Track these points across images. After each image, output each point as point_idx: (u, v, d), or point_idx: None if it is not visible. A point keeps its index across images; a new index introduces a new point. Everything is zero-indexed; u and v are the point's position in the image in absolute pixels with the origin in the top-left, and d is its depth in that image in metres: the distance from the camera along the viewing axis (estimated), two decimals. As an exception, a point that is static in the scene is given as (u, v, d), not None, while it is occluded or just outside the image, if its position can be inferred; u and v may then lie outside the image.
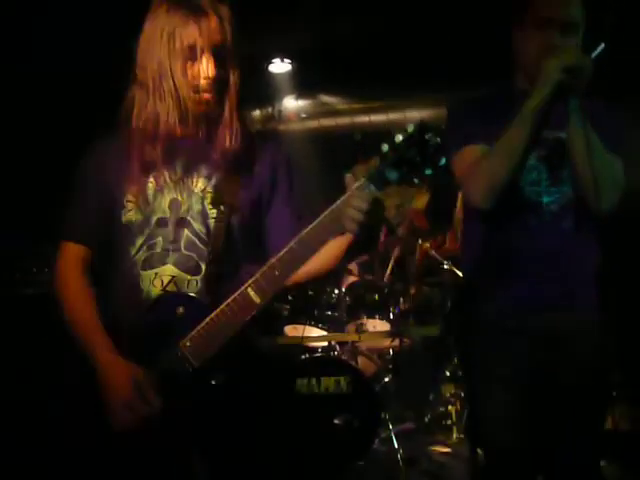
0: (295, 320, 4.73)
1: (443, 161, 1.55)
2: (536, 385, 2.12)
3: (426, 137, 1.54)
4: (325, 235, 1.65)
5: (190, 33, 1.76)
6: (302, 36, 5.28)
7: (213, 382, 1.71)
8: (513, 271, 2.16)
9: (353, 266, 4.93)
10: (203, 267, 1.80)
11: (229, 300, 1.69)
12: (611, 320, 2.23)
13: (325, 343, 4.54)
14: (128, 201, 1.85)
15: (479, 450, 2.41)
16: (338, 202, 1.63)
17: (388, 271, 5.03)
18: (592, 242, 2.20)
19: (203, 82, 1.79)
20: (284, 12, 4.71)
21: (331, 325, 4.66)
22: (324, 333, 4.61)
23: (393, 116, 6.36)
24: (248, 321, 1.70)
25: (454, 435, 4.60)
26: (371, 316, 4.70)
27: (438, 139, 1.54)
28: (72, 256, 1.91)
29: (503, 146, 2.04)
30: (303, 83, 6.11)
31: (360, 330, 4.57)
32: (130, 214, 1.84)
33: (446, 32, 4.98)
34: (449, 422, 4.72)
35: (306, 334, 4.56)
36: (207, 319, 1.70)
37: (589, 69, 1.98)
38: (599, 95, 2.18)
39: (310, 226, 1.66)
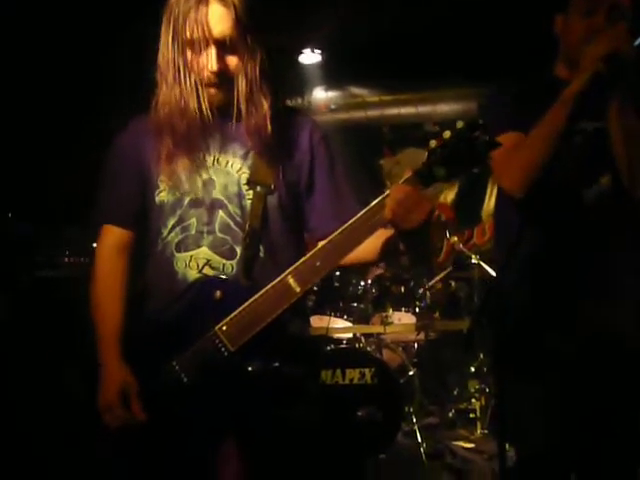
0: (320, 311, 4.74)
1: (489, 160, 1.54)
2: (575, 381, 2.09)
3: (475, 134, 1.51)
4: (369, 228, 1.63)
5: (192, 25, 1.70)
6: (333, 27, 5.26)
7: (249, 368, 1.70)
8: (554, 268, 2.12)
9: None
10: (238, 251, 1.77)
11: (268, 287, 1.67)
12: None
13: (350, 335, 4.53)
14: (161, 181, 1.82)
15: (508, 446, 2.38)
16: (383, 195, 1.60)
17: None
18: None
19: (207, 75, 1.74)
20: (315, 3, 4.71)
21: (356, 317, 4.66)
22: (349, 324, 4.61)
23: (422, 109, 6.31)
24: (287, 308, 1.68)
25: (478, 430, 4.57)
26: (397, 309, 4.70)
27: (486, 137, 1.51)
28: (112, 240, 1.90)
29: (541, 132, 2.01)
30: (333, 74, 6.10)
31: (385, 322, 4.55)
32: (162, 194, 1.82)
33: (478, 24, 4.94)
34: (473, 417, 4.70)
35: (331, 325, 4.56)
36: (245, 304, 1.68)
37: (632, 57, 1.95)
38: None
39: (354, 218, 1.63)
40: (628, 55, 1.93)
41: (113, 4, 3.99)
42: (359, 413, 3.91)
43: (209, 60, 1.72)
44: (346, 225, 1.64)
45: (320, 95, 6.51)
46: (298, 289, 1.66)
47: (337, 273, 4.82)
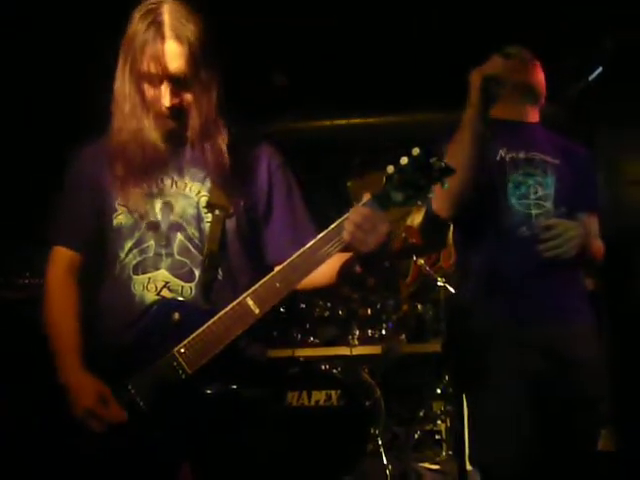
0: (287, 332, 4.74)
1: (447, 185, 1.57)
2: (535, 398, 2.14)
3: (431, 161, 1.56)
4: (327, 250, 1.65)
5: (148, 59, 1.72)
6: (302, 49, 5.31)
7: (207, 391, 1.70)
8: (508, 283, 2.19)
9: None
10: (197, 273, 1.78)
11: (227, 309, 1.68)
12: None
13: (317, 356, 4.54)
14: (119, 204, 1.83)
15: (469, 467, 2.42)
16: (342, 218, 1.63)
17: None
18: (582, 254, 2.25)
19: (162, 109, 1.76)
20: (285, 28, 4.76)
21: (323, 338, 4.67)
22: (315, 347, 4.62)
23: (392, 133, 6.39)
24: (245, 331, 1.69)
25: (443, 452, 4.59)
26: (363, 330, 4.72)
27: (442, 163, 1.56)
28: (61, 261, 1.90)
29: (452, 158, 2.10)
30: (302, 98, 6.14)
31: (352, 344, 4.57)
32: (120, 217, 1.82)
33: (449, 49, 5.02)
34: (439, 438, 4.73)
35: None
36: (204, 327, 1.69)
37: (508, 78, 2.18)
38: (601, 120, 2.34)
39: (314, 240, 1.66)
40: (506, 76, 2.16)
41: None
42: (325, 435, 3.92)
43: (164, 95, 1.74)
44: (305, 247, 1.66)
45: (289, 118, 6.55)
46: (257, 311, 1.68)
47: (304, 293, 4.84)
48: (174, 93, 1.75)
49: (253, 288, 1.68)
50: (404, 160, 1.57)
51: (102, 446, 1.70)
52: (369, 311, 4.89)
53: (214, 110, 1.80)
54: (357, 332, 4.67)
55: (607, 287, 3.83)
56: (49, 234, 1.94)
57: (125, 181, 1.80)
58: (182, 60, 1.73)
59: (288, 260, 1.67)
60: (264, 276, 1.70)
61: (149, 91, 1.76)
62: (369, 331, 4.74)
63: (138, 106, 1.76)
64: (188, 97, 1.77)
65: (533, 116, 2.44)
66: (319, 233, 1.68)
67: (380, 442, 4.17)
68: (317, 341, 4.66)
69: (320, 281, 1.82)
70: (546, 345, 2.16)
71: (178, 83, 1.75)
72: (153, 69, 1.72)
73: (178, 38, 1.72)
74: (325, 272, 1.77)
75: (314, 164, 6.39)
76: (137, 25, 1.75)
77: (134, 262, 1.80)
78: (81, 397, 1.71)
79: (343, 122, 6.48)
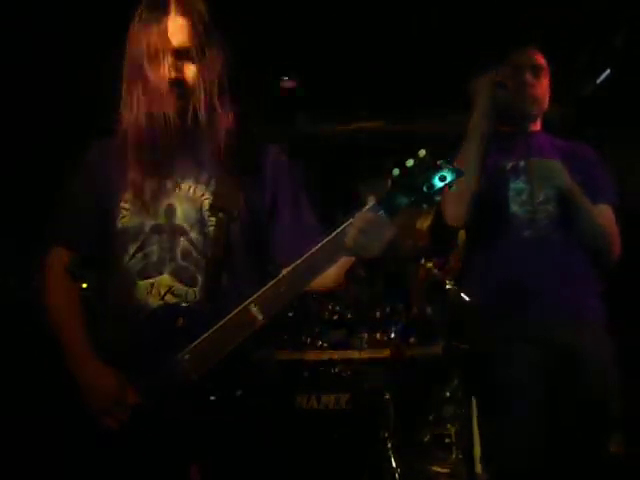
0: (296, 335, 4.74)
1: (454, 188, 1.53)
2: (546, 398, 2.14)
3: (438, 163, 1.52)
4: (331, 255, 1.62)
5: (149, 36, 1.72)
6: (311, 53, 5.31)
7: (212, 397, 1.68)
8: (516, 285, 2.19)
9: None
10: (200, 278, 1.76)
11: (231, 315, 1.66)
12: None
13: (326, 359, 4.53)
14: (123, 207, 1.81)
15: (478, 470, 2.41)
16: (347, 222, 1.60)
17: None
18: (586, 255, 2.26)
19: (166, 85, 1.75)
20: (293, 30, 4.76)
21: (332, 341, 4.66)
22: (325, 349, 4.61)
23: (402, 136, 6.38)
24: (250, 336, 1.67)
25: (453, 455, 4.57)
26: (373, 333, 4.71)
27: (449, 165, 1.52)
28: (61, 262, 1.88)
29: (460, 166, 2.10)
30: (310, 101, 6.15)
31: (361, 347, 4.56)
32: (124, 220, 1.81)
33: (453, 52, 5.01)
34: (448, 442, 4.70)
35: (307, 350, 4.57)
36: (208, 333, 1.67)
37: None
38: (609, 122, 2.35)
39: (318, 245, 1.62)
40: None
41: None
42: (334, 438, 3.91)
43: (166, 68, 1.73)
44: (309, 252, 1.63)
45: (299, 121, 6.56)
46: (261, 317, 1.64)
47: (313, 296, 4.84)
48: (176, 66, 1.74)
49: (257, 294, 1.65)
50: (410, 162, 1.53)
51: (113, 445, 1.70)
52: (378, 314, 4.87)
53: (218, 88, 1.78)
54: (366, 335, 4.67)
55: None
56: (48, 234, 1.93)
57: (131, 182, 1.79)
58: (185, 33, 1.73)
59: (292, 265, 1.65)
60: (270, 279, 1.68)
61: (155, 71, 1.75)
62: (378, 334, 4.72)
63: (146, 88, 1.75)
64: (191, 70, 1.76)
65: (534, 125, 2.46)
66: (325, 234, 1.66)
67: (389, 445, 4.16)
68: (326, 344, 4.65)
69: (326, 284, 1.80)
70: (555, 345, 2.16)
71: (181, 56, 1.74)
72: (158, 45, 1.72)
73: (184, 12, 1.73)
74: (331, 275, 1.74)
75: (322, 168, 6.40)
76: (144, 7, 1.76)
77: (138, 266, 1.79)
78: (98, 394, 1.70)
79: (353, 125, 6.50)
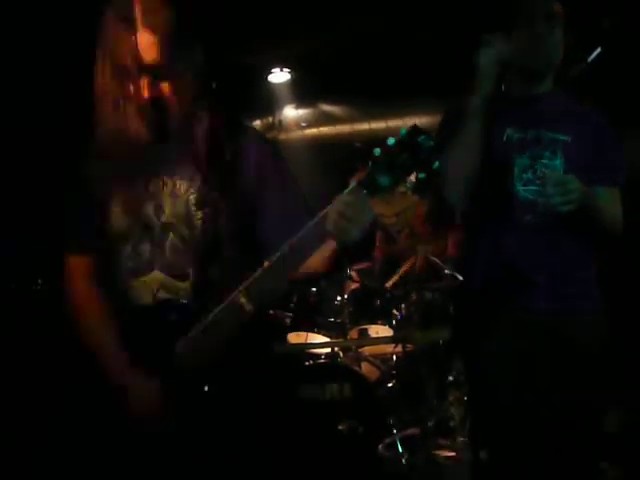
0: (298, 327, 4.76)
1: (437, 164, 1.50)
2: (541, 384, 2.14)
3: (418, 140, 1.49)
4: (316, 241, 1.63)
5: (120, 52, 1.72)
6: (301, 45, 5.32)
7: (205, 388, 1.71)
8: (514, 271, 2.17)
9: (354, 273, 4.95)
10: (190, 272, 1.78)
11: (221, 306, 1.68)
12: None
13: (328, 349, 4.56)
14: (115, 209, 1.82)
15: (482, 453, 2.42)
16: (328, 207, 1.60)
17: (395, 278, 5.02)
18: (589, 242, 2.23)
19: (139, 102, 1.76)
20: (283, 22, 4.76)
21: (334, 331, 4.68)
22: (327, 339, 4.63)
23: (392, 123, 6.39)
24: (242, 327, 1.68)
25: (458, 439, 4.60)
26: (374, 322, 4.74)
27: (431, 142, 1.50)
28: (80, 269, 1.90)
29: (458, 145, 2.08)
30: (302, 92, 6.15)
31: (363, 336, 4.59)
32: (117, 222, 1.82)
33: (444, 36, 5.02)
34: (453, 426, 4.73)
35: (309, 341, 4.59)
36: (199, 325, 1.69)
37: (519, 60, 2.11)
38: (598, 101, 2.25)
39: (301, 232, 1.63)
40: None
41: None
42: (339, 427, 3.93)
43: (143, 87, 1.74)
44: (294, 239, 1.63)
45: (290, 113, 6.57)
46: (250, 307, 1.66)
47: (313, 289, 4.86)
48: (152, 84, 1.75)
49: (244, 284, 1.66)
50: (390, 141, 1.51)
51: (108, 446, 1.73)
52: (378, 302, 4.89)
53: (195, 99, 1.79)
54: (368, 323, 4.69)
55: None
56: (63, 242, 1.94)
57: (117, 184, 1.80)
58: (155, 50, 1.72)
59: (277, 253, 1.65)
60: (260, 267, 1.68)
61: (129, 85, 1.75)
62: (379, 322, 4.74)
63: (121, 102, 1.75)
64: (166, 87, 1.77)
65: (544, 85, 2.29)
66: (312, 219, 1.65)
67: (395, 431, 4.18)
68: (328, 334, 4.67)
69: (312, 269, 1.79)
70: (553, 332, 2.15)
71: (155, 74, 1.75)
72: (129, 62, 1.72)
73: (151, 28, 1.71)
74: (315, 261, 1.73)
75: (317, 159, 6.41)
76: (110, 19, 1.75)
77: (130, 265, 1.81)
78: (146, 402, 1.72)
79: (345, 115, 6.50)
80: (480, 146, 2.06)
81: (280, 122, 6.57)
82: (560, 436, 2.14)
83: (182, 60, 1.76)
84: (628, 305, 4.07)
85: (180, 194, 1.81)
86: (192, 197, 1.80)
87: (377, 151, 1.52)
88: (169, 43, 1.72)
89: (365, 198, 1.54)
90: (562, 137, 2.21)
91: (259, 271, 1.66)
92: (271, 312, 4.71)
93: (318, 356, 4.54)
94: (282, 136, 6.68)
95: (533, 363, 2.14)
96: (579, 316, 2.18)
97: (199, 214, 1.79)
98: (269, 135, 6.66)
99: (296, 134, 6.64)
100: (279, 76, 6.02)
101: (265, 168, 1.86)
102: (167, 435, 1.70)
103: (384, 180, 1.51)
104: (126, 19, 1.71)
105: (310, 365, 4.21)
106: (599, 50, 2.31)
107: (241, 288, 1.66)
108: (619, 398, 3.76)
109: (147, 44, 1.72)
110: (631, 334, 3.85)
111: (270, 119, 6.59)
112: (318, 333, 4.67)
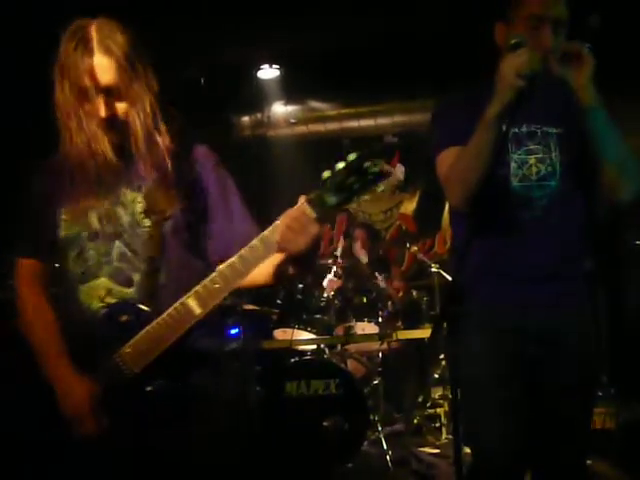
0: (284, 324, 4.78)
1: (381, 188, 1.65)
2: (527, 383, 2.14)
3: (365, 166, 1.62)
4: (265, 252, 1.72)
5: (79, 74, 1.78)
6: (290, 42, 5.32)
7: (152, 388, 1.76)
8: (506, 268, 2.17)
9: (340, 270, 4.97)
10: (136, 278, 1.84)
11: (170, 309, 1.74)
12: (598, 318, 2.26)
13: (314, 346, 4.58)
14: (63, 217, 1.89)
15: (466, 449, 2.43)
16: (279, 220, 1.69)
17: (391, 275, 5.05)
18: (581, 237, 2.23)
19: (99, 124, 1.81)
20: (272, 18, 4.76)
21: (320, 328, 4.70)
22: (313, 336, 4.65)
23: (381, 121, 6.40)
24: (190, 329, 1.75)
25: (443, 436, 4.63)
26: (359, 319, 4.76)
27: (377, 168, 1.62)
28: (28, 272, 1.97)
29: (470, 152, 2.06)
30: (291, 89, 6.15)
31: (349, 333, 4.61)
32: (64, 229, 1.89)
33: (433, 35, 5.03)
34: (438, 423, 4.76)
35: (295, 337, 4.60)
36: (147, 327, 1.75)
37: (544, 71, 2.00)
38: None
39: (251, 242, 1.72)
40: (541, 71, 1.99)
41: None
42: (325, 423, 3.95)
43: (99, 108, 1.80)
44: (243, 250, 1.72)
45: (279, 110, 6.56)
46: (199, 310, 1.74)
47: (300, 286, 4.87)
48: (108, 105, 1.81)
49: (194, 289, 1.74)
50: (339, 165, 1.64)
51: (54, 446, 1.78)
52: (364, 299, 4.91)
53: (153, 118, 1.86)
54: (353, 321, 4.71)
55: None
56: (14, 247, 2.00)
57: (68, 193, 1.87)
58: (112, 72, 1.79)
59: (227, 262, 1.74)
60: (209, 274, 1.77)
61: (87, 105, 1.81)
62: (365, 319, 4.76)
63: (83, 120, 1.82)
64: (122, 107, 1.83)
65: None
66: (258, 229, 1.76)
67: (380, 428, 4.21)
68: (314, 331, 4.68)
69: (258, 280, 1.88)
70: (541, 330, 2.15)
71: (111, 95, 1.81)
72: (87, 83, 1.77)
73: (106, 51, 1.78)
74: (263, 272, 1.83)
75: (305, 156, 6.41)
76: (67, 43, 1.80)
77: (78, 271, 1.87)
78: (74, 402, 1.77)
79: (334, 112, 6.51)
80: (492, 156, 2.03)
81: (269, 118, 6.56)
82: (546, 434, 2.15)
83: (140, 81, 1.84)
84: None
85: (127, 203, 1.88)
86: (139, 206, 1.87)
87: (327, 173, 1.64)
88: (124, 66, 1.80)
89: (311, 214, 1.66)
90: (554, 130, 2.20)
91: (209, 278, 1.74)
92: (258, 308, 4.74)
93: (304, 353, 4.55)
94: (271, 132, 6.67)
95: (519, 361, 2.15)
96: (568, 312, 2.18)
97: (146, 222, 1.86)
98: (258, 132, 6.67)
99: (285, 131, 6.63)
100: (268, 72, 6.01)
101: (210, 178, 1.94)
102: (102, 439, 1.74)
103: (331, 200, 1.65)
104: (82, 42, 1.78)
105: (296, 362, 4.22)
106: (587, 47, 2.29)
107: (192, 293, 1.74)
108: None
109: (103, 67, 1.78)
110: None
111: (259, 115, 6.57)
112: (304, 330, 4.68)
